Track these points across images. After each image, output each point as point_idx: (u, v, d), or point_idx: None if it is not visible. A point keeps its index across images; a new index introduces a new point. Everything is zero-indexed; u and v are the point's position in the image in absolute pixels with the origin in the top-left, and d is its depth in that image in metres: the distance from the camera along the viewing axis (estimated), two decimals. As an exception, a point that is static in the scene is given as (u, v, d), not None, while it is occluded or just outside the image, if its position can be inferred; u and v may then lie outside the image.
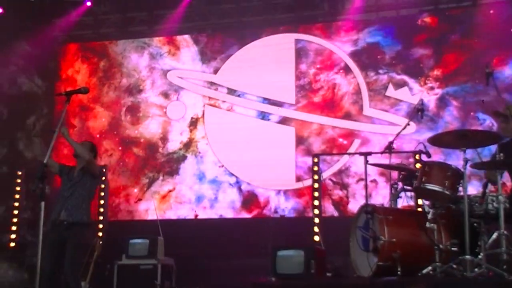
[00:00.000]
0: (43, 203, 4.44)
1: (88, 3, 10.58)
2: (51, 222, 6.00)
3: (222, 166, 10.04)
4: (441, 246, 5.11)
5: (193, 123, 10.33)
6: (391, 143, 6.16)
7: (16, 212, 9.83)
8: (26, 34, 10.64)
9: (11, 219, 9.84)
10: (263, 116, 10.07)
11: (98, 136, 10.55)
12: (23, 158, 10.57)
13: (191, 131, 10.32)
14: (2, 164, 10.58)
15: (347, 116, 9.70)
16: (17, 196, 9.89)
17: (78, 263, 6.13)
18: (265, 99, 10.08)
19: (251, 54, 10.25)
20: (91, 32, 11.08)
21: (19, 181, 9.91)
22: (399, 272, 5.05)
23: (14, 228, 9.79)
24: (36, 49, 10.70)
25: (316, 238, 8.57)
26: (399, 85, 9.53)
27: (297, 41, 10.10)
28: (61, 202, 6.08)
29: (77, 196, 6.09)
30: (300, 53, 10.06)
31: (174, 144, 10.33)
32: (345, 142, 9.66)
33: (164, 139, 10.39)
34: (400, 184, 5.81)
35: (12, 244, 9.74)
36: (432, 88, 9.40)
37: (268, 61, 10.09)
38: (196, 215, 10.00)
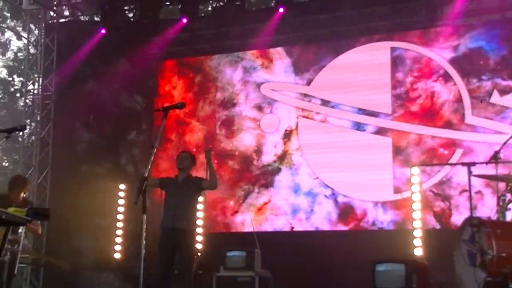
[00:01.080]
0: (144, 216, 4.56)
1: (184, 20, 10.91)
2: (163, 229, 6.49)
3: (317, 178, 9.95)
4: (557, 262, 4.76)
5: (287, 135, 10.33)
6: (497, 152, 5.86)
7: (120, 224, 10.24)
8: (127, 53, 11.14)
9: (116, 232, 10.27)
10: (358, 126, 9.90)
11: (194, 150, 10.76)
12: (125, 172, 11.01)
13: (285, 143, 10.32)
14: (106, 178, 11.08)
15: (448, 125, 9.32)
16: (121, 209, 10.32)
17: (191, 265, 6.47)
18: (360, 109, 9.90)
19: (345, 64, 10.13)
20: (187, 48, 11.38)
21: (122, 194, 10.34)
22: (510, 289, 4.76)
23: (118, 240, 10.20)
24: (136, 67, 11.15)
25: (418, 251, 8.28)
26: (505, 91, 9.04)
27: (393, 49, 9.85)
28: (171, 211, 6.51)
29: (186, 205, 6.53)
30: (396, 61, 9.82)
31: (268, 157, 10.37)
32: (446, 152, 9.29)
33: (259, 151, 10.45)
34: (508, 196, 5.49)
35: (117, 256, 10.14)
36: (542, 94, 8.86)
37: (362, 70, 9.92)
38: (292, 227, 9.97)
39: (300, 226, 9.91)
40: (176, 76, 11.35)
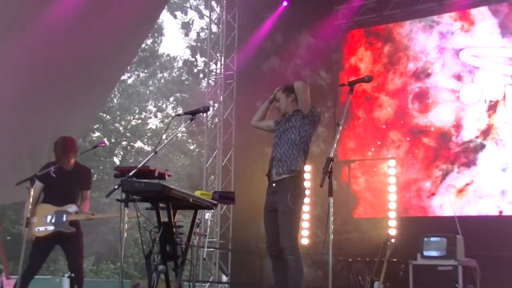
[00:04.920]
0: (331, 199, 4.60)
1: (370, -15, 10.76)
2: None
3: (530, 154, 9.28)
4: None
5: (492, 107, 9.72)
6: None
7: (306, 208, 10.44)
8: (310, 25, 11.26)
9: (302, 215, 10.48)
10: None
11: (384, 127, 10.64)
12: (310, 153, 11.17)
13: (489, 116, 9.73)
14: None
15: None
16: (307, 192, 10.49)
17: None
18: None
19: None
20: (374, 15, 11.14)
21: (307, 176, 10.54)
22: None
23: (305, 224, 10.43)
24: (320, 40, 11.22)
25: None
26: None
27: None
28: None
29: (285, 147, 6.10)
30: None
31: (469, 132, 9.86)
32: None
33: (458, 126, 9.99)
34: None
35: (305, 241, 10.36)
36: None
37: None
38: (501, 212, 9.42)
39: (511, 210, 9.32)
40: (362, 47, 11.22)
